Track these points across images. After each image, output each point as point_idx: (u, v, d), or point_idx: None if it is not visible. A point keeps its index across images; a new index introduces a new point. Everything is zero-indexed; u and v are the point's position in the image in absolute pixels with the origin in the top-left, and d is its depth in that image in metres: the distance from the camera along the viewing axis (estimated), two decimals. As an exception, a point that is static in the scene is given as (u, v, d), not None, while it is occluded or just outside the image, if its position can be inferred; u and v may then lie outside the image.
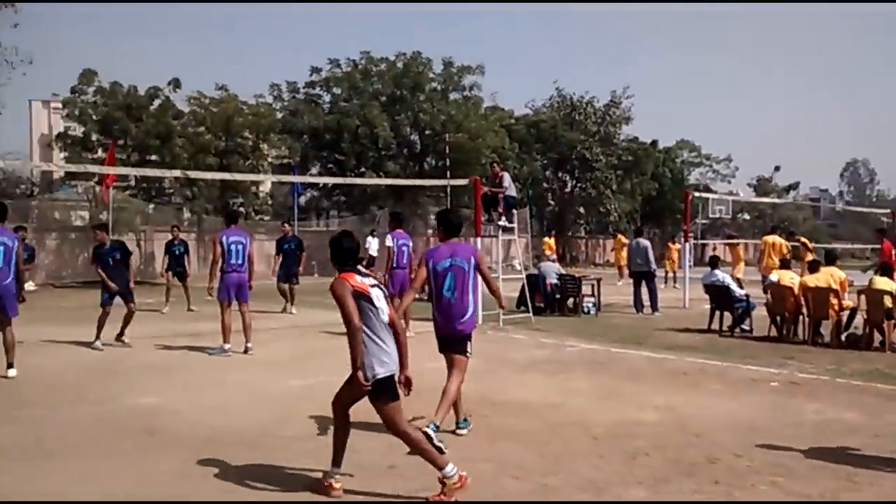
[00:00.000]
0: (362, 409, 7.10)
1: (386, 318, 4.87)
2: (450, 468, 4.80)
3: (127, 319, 11.23)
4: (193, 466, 5.49)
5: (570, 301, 16.56)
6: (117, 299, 11.18)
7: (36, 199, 28.32)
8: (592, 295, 16.91)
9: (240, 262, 10.74)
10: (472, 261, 6.23)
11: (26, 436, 6.31)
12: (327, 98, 37.57)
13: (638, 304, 16.68)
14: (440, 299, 6.18)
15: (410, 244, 12.74)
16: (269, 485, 5.11)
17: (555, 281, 16.55)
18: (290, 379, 8.88)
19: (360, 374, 4.73)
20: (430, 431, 5.40)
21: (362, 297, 4.78)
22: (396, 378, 4.90)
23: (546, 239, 23.93)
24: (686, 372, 9.56)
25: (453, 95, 37.39)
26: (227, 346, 10.58)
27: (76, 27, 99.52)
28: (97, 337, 11.00)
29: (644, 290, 16.69)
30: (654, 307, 16.43)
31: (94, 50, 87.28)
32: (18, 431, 6.45)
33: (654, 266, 16.85)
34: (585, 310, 16.34)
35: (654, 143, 49.00)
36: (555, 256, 22.87)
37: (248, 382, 8.79)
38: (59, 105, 31.12)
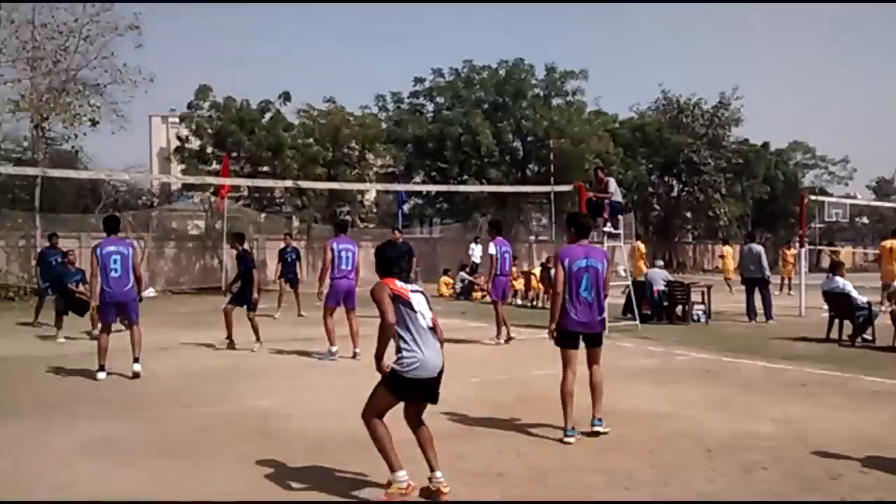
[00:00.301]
0: (471, 417, 7.17)
1: (427, 323, 4.97)
2: (402, 474, 4.90)
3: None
4: (306, 469, 5.64)
5: (679, 308, 16.16)
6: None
7: (156, 210, 29.74)
8: (702, 302, 16.46)
9: (349, 268, 11.01)
10: (605, 263, 6.67)
11: (149, 435, 6.64)
12: (430, 107, 38.07)
13: (751, 312, 16.11)
14: (578, 298, 6.48)
15: (511, 251, 12.82)
16: (378, 487, 5.20)
17: (662, 288, 16.20)
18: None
19: (380, 364, 4.92)
20: (598, 428, 6.39)
21: (400, 301, 4.90)
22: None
23: (637, 244, 23.43)
24: (804, 383, 9.17)
25: (556, 101, 37.20)
26: (334, 349, 10.83)
27: (192, 45, 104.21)
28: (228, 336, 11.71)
29: (757, 298, 16.11)
30: (767, 315, 15.83)
31: (209, 66, 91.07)
32: (142, 431, 6.79)
33: (767, 272, 16.23)
34: (695, 317, 15.92)
35: (766, 144, 47.28)
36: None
37: (358, 387, 8.91)
38: (177, 120, 32.65)
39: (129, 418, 7.26)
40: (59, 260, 14.33)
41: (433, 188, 34.50)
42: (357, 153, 31.70)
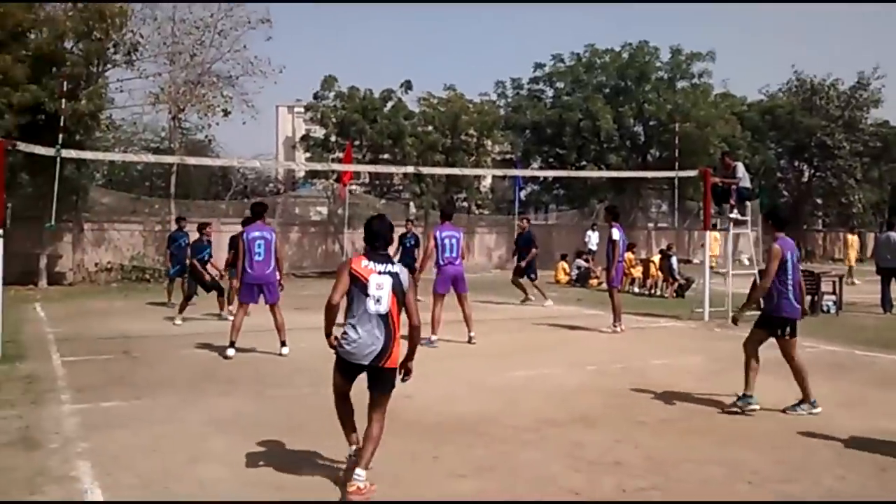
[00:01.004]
0: (588, 406, 7.12)
1: (376, 309, 4.90)
2: (361, 472, 4.79)
3: None
4: (424, 449, 5.76)
5: (808, 299, 15.41)
6: None
7: (281, 197, 30.83)
8: (833, 293, 15.66)
9: (454, 255, 11.08)
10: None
11: (276, 413, 6.94)
12: (550, 93, 37.69)
13: (886, 304, 15.22)
14: (795, 289, 7.07)
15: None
16: (494, 471, 5.25)
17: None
18: (512, 370, 9.04)
19: (328, 340, 5.08)
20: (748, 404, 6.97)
21: (357, 282, 4.91)
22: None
23: (850, 236, 21.48)
24: (947, 380, 8.60)
25: (681, 84, 36.10)
26: (433, 338, 10.80)
27: (318, 36, 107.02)
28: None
29: (894, 288, 15.20)
30: None
31: (333, 58, 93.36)
32: (269, 409, 7.11)
33: None
34: (825, 308, 15.17)
35: (908, 126, 44.29)
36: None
37: (473, 372, 9.06)
38: (302, 109, 33.68)
39: (256, 396, 7.60)
40: (186, 243, 15.01)
41: (551, 174, 34.14)
42: (475, 140, 31.83)
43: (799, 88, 41.02)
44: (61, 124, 16.71)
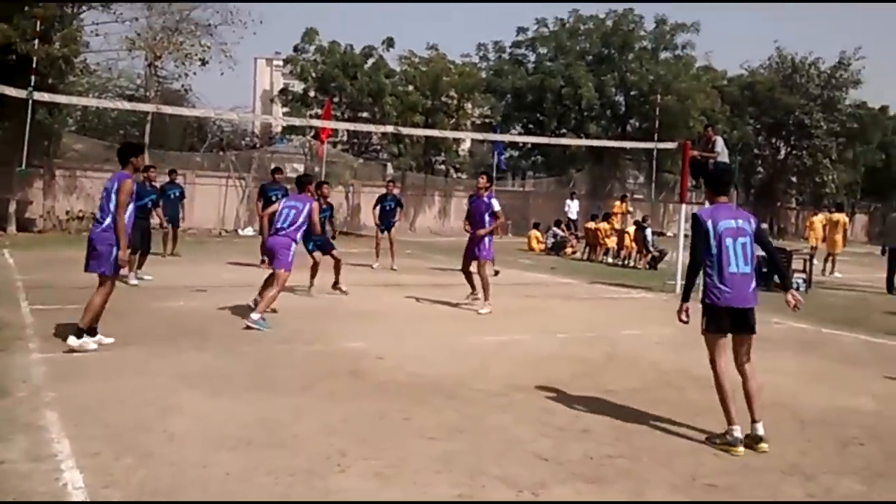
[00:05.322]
0: (557, 372, 7.18)
1: None
2: None
3: (337, 268, 11.86)
4: (394, 409, 5.77)
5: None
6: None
7: (257, 151, 30.50)
8: (803, 270, 15.87)
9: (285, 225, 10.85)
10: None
11: (247, 369, 6.91)
12: (532, 58, 37.48)
13: (891, 285, 15.48)
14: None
15: None
16: (464, 433, 5.28)
17: (761, 253, 15.65)
18: (483, 335, 9.07)
19: None
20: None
21: None
22: None
23: (840, 216, 20.21)
24: (910, 360, 8.77)
25: (664, 55, 36.11)
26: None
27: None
28: (311, 285, 11.76)
29: None
30: None
31: (315, 10, 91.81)
32: (241, 365, 7.07)
33: None
34: (795, 286, 15.36)
35: (884, 108, 44.69)
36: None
37: (446, 335, 9.09)
38: (281, 63, 33.22)
39: (228, 352, 7.56)
40: (176, 195, 14.66)
41: (530, 140, 34.09)
42: (455, 102, 31.62)
43: (780, 65, 41.21)
44: (33, 66, 16.33)
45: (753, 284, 5.48)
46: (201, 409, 5.56)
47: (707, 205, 5.85)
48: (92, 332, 7.36)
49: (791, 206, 46.05)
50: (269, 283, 9.41)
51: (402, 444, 5.07)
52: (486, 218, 10.89)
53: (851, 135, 41.97)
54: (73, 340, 7.00)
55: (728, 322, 5.35)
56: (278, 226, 9.36)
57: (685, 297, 5.54)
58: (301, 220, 9.42)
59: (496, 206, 10.94)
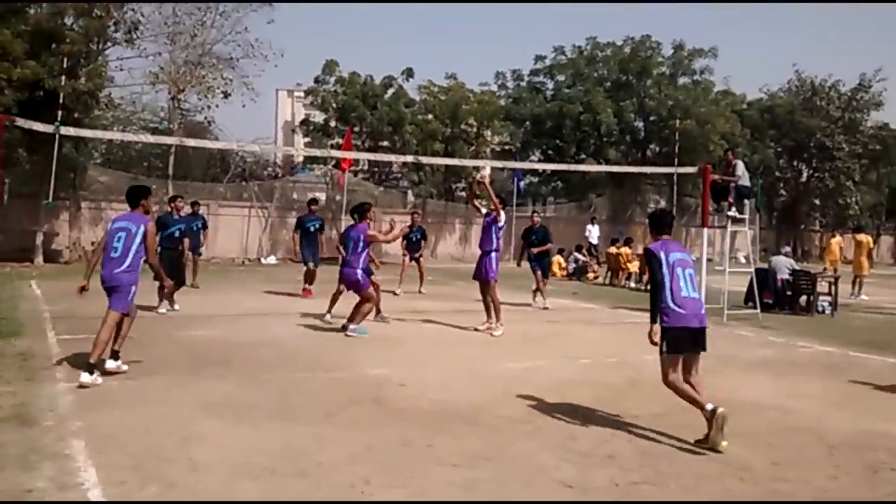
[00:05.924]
0: (580, 398, 7.13)
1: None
2: None
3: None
4: (417, 436, 5.76)
5: (803, 299, 15.47)
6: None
7: (279, 181, 30.78)
8: (829, 293, 15.71)
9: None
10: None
11: (271, 397, 6.92)
12: (550, 85, 37.65)
13: None
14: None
15: None
16: (488, 460, 5.26)
17: (786, 276, 15.57)
18: (506, 361, 9.05)
19: None
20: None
21: None
22: None
23: (862, 236, 20.36)
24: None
25: (682, 80, 36.16)
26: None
27: (320, 20, 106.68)
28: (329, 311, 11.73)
29: None
30: None
31: (335, 42, 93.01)
32: (263, 393, 7.09)
33: None
34: (820, 309, 15.22)
35: (908, 129, 44.30)
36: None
37: (468, 361, 9.07)
38: (302, 94, 33.60)
39: (250, 380, 7.59)
40: (198, 227, 14.67)
41: (550, 167, 34.12)
42: (474, 130, 31.80)
43: (800, 88, 41.08)
44: (60, 101, 16.65)
45: (703, 308, 6.08)
46: (224, 438, 5.58)
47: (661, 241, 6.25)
48: (115, 355, 7.55)
49: (815, 228, 45.65)
50: (359, 305, 10.52)
51: (426, 471, 5.05)
52: (494, 237, 11.43)
53: (874, 157, 41.64)
54: (85, 377, 7.03)
55: (686, 342, 5.88)
56: (346, 257, 10.79)
57: (654, 320, 5.94)
58: (360, 247, 10.70)
59: (502, 218, 11.60)
